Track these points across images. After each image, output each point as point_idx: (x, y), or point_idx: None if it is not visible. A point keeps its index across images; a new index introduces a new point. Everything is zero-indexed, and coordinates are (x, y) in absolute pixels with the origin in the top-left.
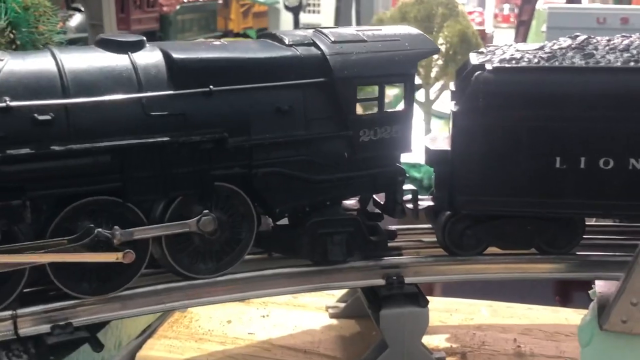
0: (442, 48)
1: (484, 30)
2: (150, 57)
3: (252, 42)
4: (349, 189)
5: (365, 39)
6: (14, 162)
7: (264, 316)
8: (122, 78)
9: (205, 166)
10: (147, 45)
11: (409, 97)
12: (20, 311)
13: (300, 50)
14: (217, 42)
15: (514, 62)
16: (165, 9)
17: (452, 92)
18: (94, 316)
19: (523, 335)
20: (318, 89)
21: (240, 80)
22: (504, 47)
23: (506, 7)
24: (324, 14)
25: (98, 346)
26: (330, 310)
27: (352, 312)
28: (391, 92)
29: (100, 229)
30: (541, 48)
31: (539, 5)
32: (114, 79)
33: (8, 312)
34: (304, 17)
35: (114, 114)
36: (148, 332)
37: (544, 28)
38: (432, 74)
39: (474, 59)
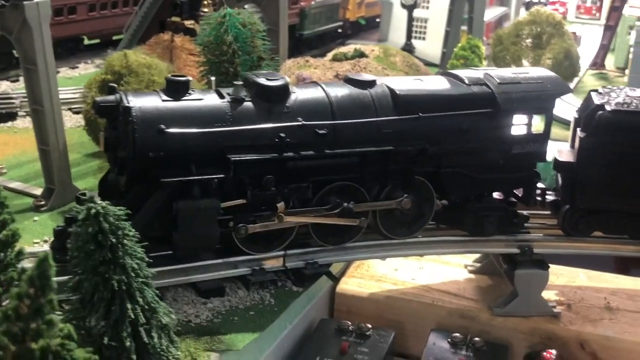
0: (549, 62)
1: (575, 33)
2: (380, 91)
3: (443, 79)
4: (500, 184)
5: (521, 81)
6: (304, 159)
7: (420, 268)
8: (365, 106)
9: (411, 165)
10: (378, 82)
11: (548, 124)
12: (288, 252)
13: (476, 89)
14: (419, 80)
15: (625, 106)
16: (303, 4)
17: (576, 118)
18: (332, 258)
19: (611, 295)
20: (487, 116)
21: (437, 109)
22: (616, 91)
23: None
24: (432, 9)
25: (333, 278)
26: (469, 268)
27: (485, 270)
28: None
29: (346, 203)
30: None
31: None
32: (360, 107)
33: (281, 252)
34: (415, 12)
35: (361, 130)
36: (339, 273)
37: (631, 41)
38: None
39: (596, 98)
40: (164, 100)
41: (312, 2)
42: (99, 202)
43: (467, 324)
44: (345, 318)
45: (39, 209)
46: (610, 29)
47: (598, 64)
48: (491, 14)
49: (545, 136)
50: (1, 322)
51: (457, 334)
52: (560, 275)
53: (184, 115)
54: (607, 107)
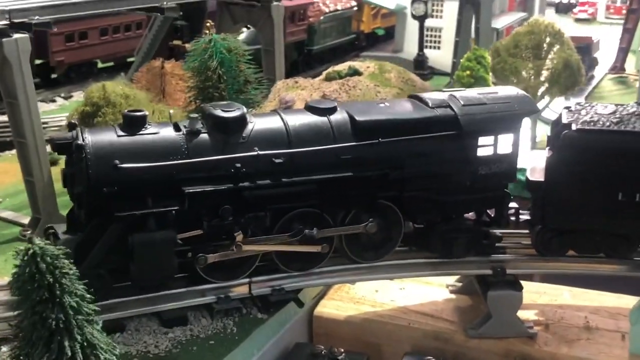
0: (549, 72)
1: (590, 37)
2: (340, 118)
3: (407, 103)
4: (469, 206)
5: (486, 102)
6: (260, 188)
7: (401, 289)
8: (323, 133)
9: (373, 190)
10: (338, 108)
11: (515, 144)
12: (254, 279)
13: (439, 112)
14: (382, 105)
15: (592, 124)
16: (311, 19)
17: (549, 137)
18: (299, 284)
19: (592, 314)
20: (451, 139)
21: (398, 134)
22: (587, 108)
23: None
24: (445, 19)
25: (299, 303)
26: (450, 288)
27: (466, 290)
28: None
29: (307, 230)
30: (614, 113)
31: None
32: (318, 134)
33: (246, 279)
34: (428, 22)
35: (319, 157)
36: (319, 296)
37: None
38: (539, 93)
39: (565, 116)
40: (119, 136)
41: (322, 17)
42: (37, 242)
43: (441, 346)
44: (323, 341)
45: (25, 238)
46: (628, 32)
47: (617, 67)
48: (510, 19)
49: (512, 156)
50: None
51: (431, 358)
52: (543, 294)
53: (139, 150)
54: (573, 126)
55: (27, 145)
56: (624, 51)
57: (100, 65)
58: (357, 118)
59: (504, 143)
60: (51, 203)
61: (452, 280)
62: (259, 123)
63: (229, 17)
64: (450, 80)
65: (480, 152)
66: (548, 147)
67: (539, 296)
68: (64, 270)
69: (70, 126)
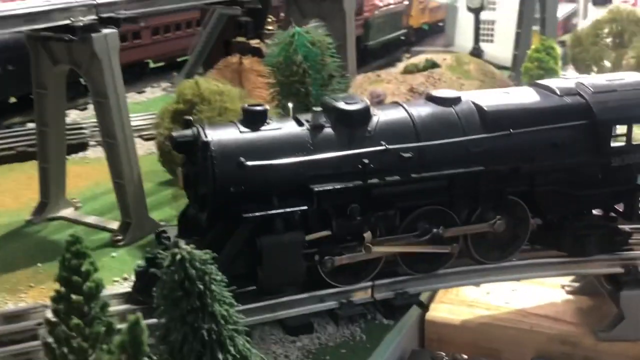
0: (633, 61)
1: None
2: (466, 108)
3: (532, 91)
4: (600, 200)
5: (617, 88)
6: (389, 185)
7: (513, 290)
8: (451, 125)
9: (503, 185)
10: (463, 99)
11: None
12: (376, 282)
13: (569, 100)
14: (507, 94)
15: None
16: (367, 14)
17: None
18: (423, 287)
19: None
20: (583, 128)
21: (529, 124)
22: None
23: None
24: (499, 11)
25: (423, 307)
26: (567, 288)
27: (585, 290)
28: None
29: (435, 229)
30: None
31: None
32: (446, 126)
33: (369, 283)
34: (482, 14)
35: (448, 151)
36: (428, 298)
37: None
38: None
39: None
40: (242, 132)
41: (376, 12)
42: (184, 246)
43: (569, 351)
44: (436, 348)
45: (116, 244)
46: None
47: None
48: (562, 10)
49: None
50: None
51: None
52: None
53: (264, 147)
54: None
55: (117, 145)
56: None
57: (151, 65)
58: (486, 108)
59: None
60: (142, 206)
61: (567, 280)
62: (383, 116)
63: (298, 11)
64: (512, 73)
65: (613, 142)
66: None
67: None
68: (213, 277)
69: (187, 123)
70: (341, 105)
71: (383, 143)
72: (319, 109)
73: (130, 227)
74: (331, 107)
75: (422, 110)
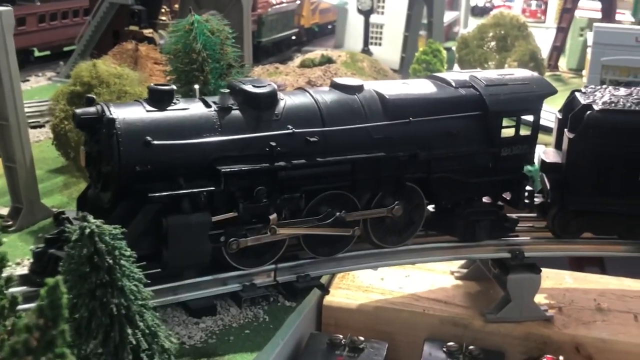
0: (515, 64)
1: None
2: (369, 96)
3: (429, 83)
4: (491, 188)
5: (507, 82)
6: (295, 168)
7: (407, 276)
8: (355, 111)
9: (402, 171)
10: (365, 87)
11: (535, 125)
12: (279, 265)
13: (464, 92)
14: (406, 84)
15: (613, 105)
16: (260, 10)
17: (560, 119)
18: (324, 270)
19: (600, 297)
20: (476, 119)
21: (427, 113)
22: (600, 90)
23: (534, 2)
24: (387, 15)
25: (324, 290)
26: (456, 274)
27: (473, 276)
28: None
29: (338, 212)
30: (630, 94)
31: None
32: (350, 112)
33: (272, 266)
34: (371, 18)
35: (352, 136)
36: (326, 284)
37: (589, 42)
38: None
39: (581, 98)
40: (148, 111)
41: (269, 9)
42: (93, 220)
43: (460, 332)
44: (333, 331)
45: (6, 230)
46: (562, 31)
47: (552, 65)
48: (447, 17)
49: (533, 138)
50: (9, 358)
51: (452, 343)
52: (547, 278)
53: (171, 126)
54: (595, 107)
55: (9, 127)
56: (558, 50)
57: (36, 54)
58: (388, 96)
59: (525, 124)
60: (34, 191)
61: (456, 266)
62: (290, 100)
63: (194, 2)
64: (399, 76)
65: (503, 133)
66: (566, 129)
67: (543, 280)
68: (122, 252)
69: (89, 101)
70: (249, 88)
71: (290, 127)
72: (226, 90)
73: (21, 213)
74: (238, 90)
75: (327, 96)
